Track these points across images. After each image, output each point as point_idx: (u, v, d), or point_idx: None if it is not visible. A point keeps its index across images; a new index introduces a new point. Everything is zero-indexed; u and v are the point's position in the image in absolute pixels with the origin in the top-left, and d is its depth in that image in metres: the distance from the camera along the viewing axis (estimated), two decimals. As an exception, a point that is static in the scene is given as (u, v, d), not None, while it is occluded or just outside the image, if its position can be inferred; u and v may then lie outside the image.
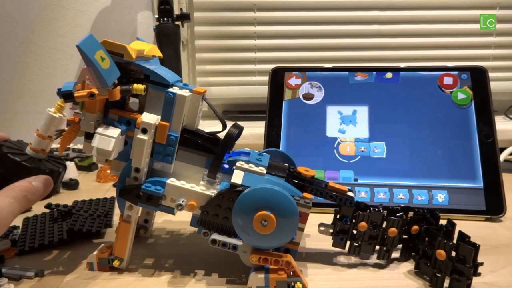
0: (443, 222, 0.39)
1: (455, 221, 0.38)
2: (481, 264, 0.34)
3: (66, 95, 0.34)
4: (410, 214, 0.41)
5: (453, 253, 0.35)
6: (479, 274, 0.34)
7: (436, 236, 0.37)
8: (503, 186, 0.52)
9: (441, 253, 0.35)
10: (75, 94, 0.33)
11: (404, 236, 0.41)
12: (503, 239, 0.46)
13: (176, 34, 0.81)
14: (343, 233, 0.40)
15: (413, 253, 0.41)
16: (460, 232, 0.35)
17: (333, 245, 0.40)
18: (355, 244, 0.40)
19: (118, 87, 0.34)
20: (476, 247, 0.33)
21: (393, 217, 0.39)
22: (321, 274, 0.39)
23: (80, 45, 0.30)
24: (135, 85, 0.35)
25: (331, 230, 0.40)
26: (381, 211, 0.39)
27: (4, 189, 0.33)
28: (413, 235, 0.40)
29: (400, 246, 0.41)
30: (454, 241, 0.36)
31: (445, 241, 0.35)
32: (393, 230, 0.39)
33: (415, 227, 0.40)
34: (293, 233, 0.34)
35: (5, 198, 0.31)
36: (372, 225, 0.39)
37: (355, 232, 0.40)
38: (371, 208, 0.39)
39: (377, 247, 0.40)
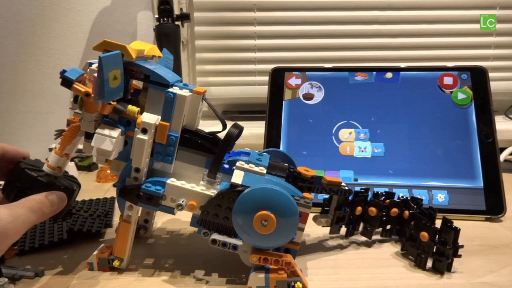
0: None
1: (455, 221, 0.38)
2: (461, 246, 0.37)
3: (66, 81, 0.34)
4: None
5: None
6: (459, 256, 0.38)
7: (421, 219, 0.40)
8: (503, 186, 0.52)
9: (424, 235, 0.38)
10: (74, 85, 0.33)
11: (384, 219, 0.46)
12: (503, 239, 0.46)
13: (176, 34, 0.81)
14: (340, 221, 0.44)
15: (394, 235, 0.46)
16: (445, 218, 0.38)
17: (330, 233, 0.44)
18: (350, 227, 0.45)
19: (114, 104, 0.35)
20: (456, 230, 0.37)
21: (376, 200, 0.45)
22: (321, 274, 0.39)
23: (102, 58, 0.31)
24: (129, 107, 0.36)
25: (325, 219, 0.44)
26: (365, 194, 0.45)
27: (20, 200, 0.33)
28: (393, 217, 0.45)
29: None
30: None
31: (428, 224, 0.39)
32: (372, 210, 0.44)
33: (394, 209, 0.45)
34: (293, 233, 0.34)
35: (21, 208, 0.32)
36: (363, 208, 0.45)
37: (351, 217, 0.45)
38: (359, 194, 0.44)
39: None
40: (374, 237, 0.46)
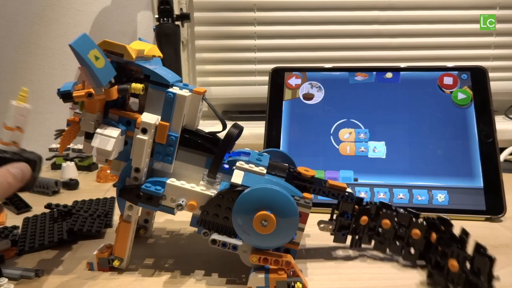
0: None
1: (455, 221, 0.38)
2: (497, 278, 0.32)
3: (65, 95, 0.34)
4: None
5: (468, 265, 0.33)
6: None
7: (450, 245, 0.35)
8: (503, 186, 0.52)
9: (453, 264, 0.33)
10: (74, 94, 0.34)
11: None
12: (503, 239, 0.46)
13: (176, 34, 0.81)
14: (343, 228, 0.41)
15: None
16: (478, 244, 0.33)
17: (334, 241, 0.41)
18: (356, 237, 0.41)
19: (116, 86, 0.34)
20: (491, 259, 0.31)
21: (388, 211, 0.41)
22: (321, 274, 0.39)
23: (73, 44, 0.30)
24: (133, 84, 0.35)
25: (331, 227, 0.41)
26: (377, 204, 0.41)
27: None
28: (417, 239, 0.39)
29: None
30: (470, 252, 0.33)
31: (459, 251, 0.34)
32: (385, 222, 0.41)
33: (416, 231, 0.40)
34: (293, 233, 0.34)
35: None
36: (370, 218, 0.41)
37: (354, 225, 0.41)
38: (368, 202, 0.41)
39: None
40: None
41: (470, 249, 0.34)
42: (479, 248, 0.32)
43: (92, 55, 0.31)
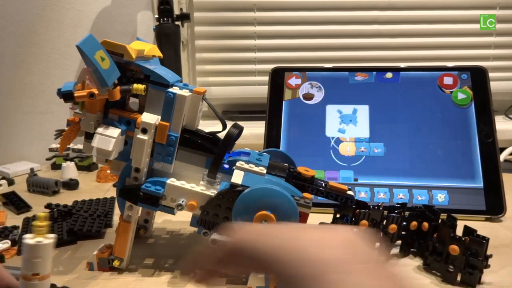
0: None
1: (455, 221, 0.38)
2: (490, 256, 0.36)
3: (66, 95, 0.34)
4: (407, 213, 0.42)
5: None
6: (488, 266, 0.36)
7: (448, 232, 0.37)
8: (503, 186, 0.52)
9: (454, 249, 0.36)
10: (75, 94, 0.34)
11: (402, 232, 0.42)
12: (503, 239, 0.46)
13: (176, 34, 0.81)
14: None
15: (412, 249, 0.43)
16: (466, 227, 0.37)
17: None
18: None
19: (118, 87, 0.34)
20: (486, 240, 0.35)
21: (393, 214, 0.40)
22: (321, 274, 0.38)
23: (80, 45, 0.30)
24: (135, 85, 0.35)
25: None
26: (381, 209, 0.40)
27: None
28: (412, 230, 0.42)
29: (399, 242, 0.42)
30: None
31: (458, 236, 0.36)
32: (393, 227, 0.40)
33: (414, 223, 0.41)
34: (293, 233, 0.34)
35: None
36: (372, 222, 0.40)
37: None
38: (371, 206, 0.40)
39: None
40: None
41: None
42: (470, 231, 0.36)
43: (98, 56, 0.32)
